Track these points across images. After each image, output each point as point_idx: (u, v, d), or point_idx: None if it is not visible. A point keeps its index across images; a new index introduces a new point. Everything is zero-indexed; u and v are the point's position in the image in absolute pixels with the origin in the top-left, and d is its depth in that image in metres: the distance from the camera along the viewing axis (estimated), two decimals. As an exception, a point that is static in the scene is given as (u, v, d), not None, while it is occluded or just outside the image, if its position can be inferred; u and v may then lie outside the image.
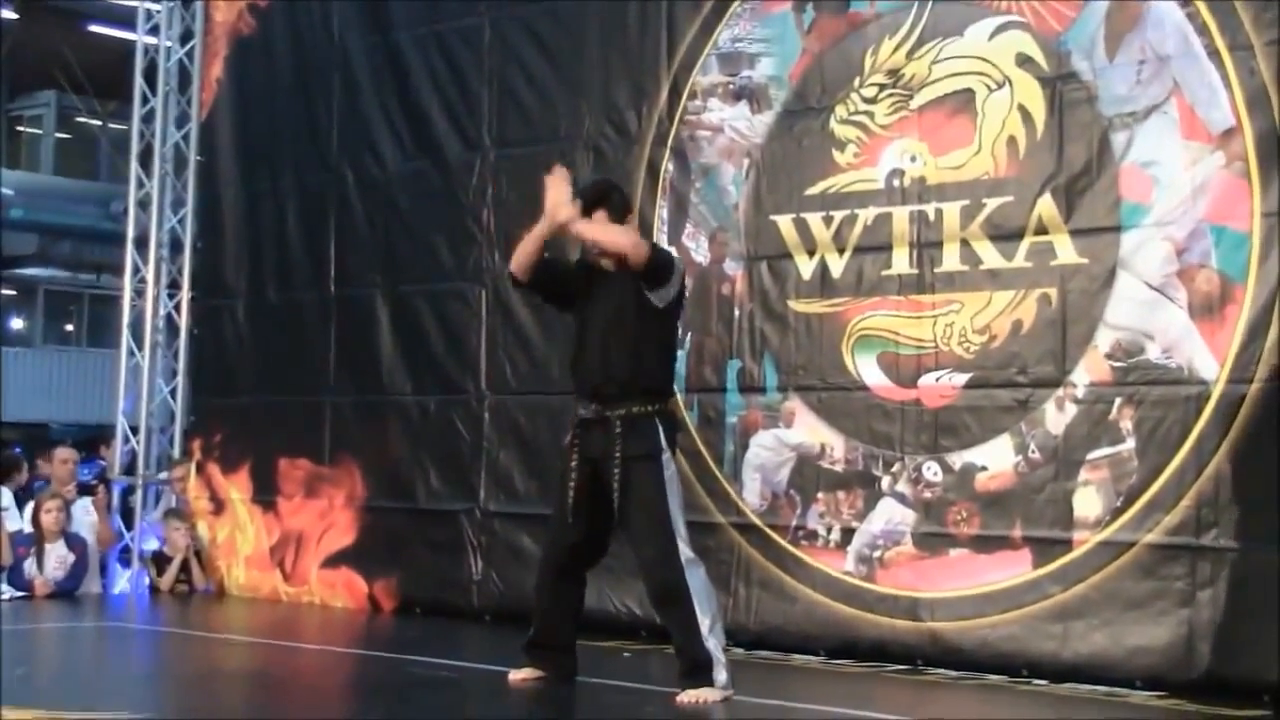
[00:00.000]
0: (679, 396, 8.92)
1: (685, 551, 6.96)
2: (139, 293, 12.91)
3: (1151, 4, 7.93)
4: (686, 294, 7.49)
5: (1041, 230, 8.20)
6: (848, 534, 8.79)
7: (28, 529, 11.35)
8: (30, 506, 11.50)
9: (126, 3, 17.64)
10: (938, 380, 8.53)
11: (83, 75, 28.54)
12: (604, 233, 7.22)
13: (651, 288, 7.07)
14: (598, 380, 7.15)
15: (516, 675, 7.41)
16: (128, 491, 12.78)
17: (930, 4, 8.68)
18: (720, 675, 6.88)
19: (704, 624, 6.88)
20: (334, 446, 11.31)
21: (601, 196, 7.38)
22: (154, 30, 13.01)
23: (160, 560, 11.88)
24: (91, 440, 17.85)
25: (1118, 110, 8.01)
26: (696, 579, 6.95)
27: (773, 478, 9.09)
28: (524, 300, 10.10)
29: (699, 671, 6.88)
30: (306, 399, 11.50)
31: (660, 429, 7.09)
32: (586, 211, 7.29)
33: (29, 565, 11.15)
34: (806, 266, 9.03)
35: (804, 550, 8.93)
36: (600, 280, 7.27)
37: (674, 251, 8.06)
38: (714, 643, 6.90)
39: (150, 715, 6.88)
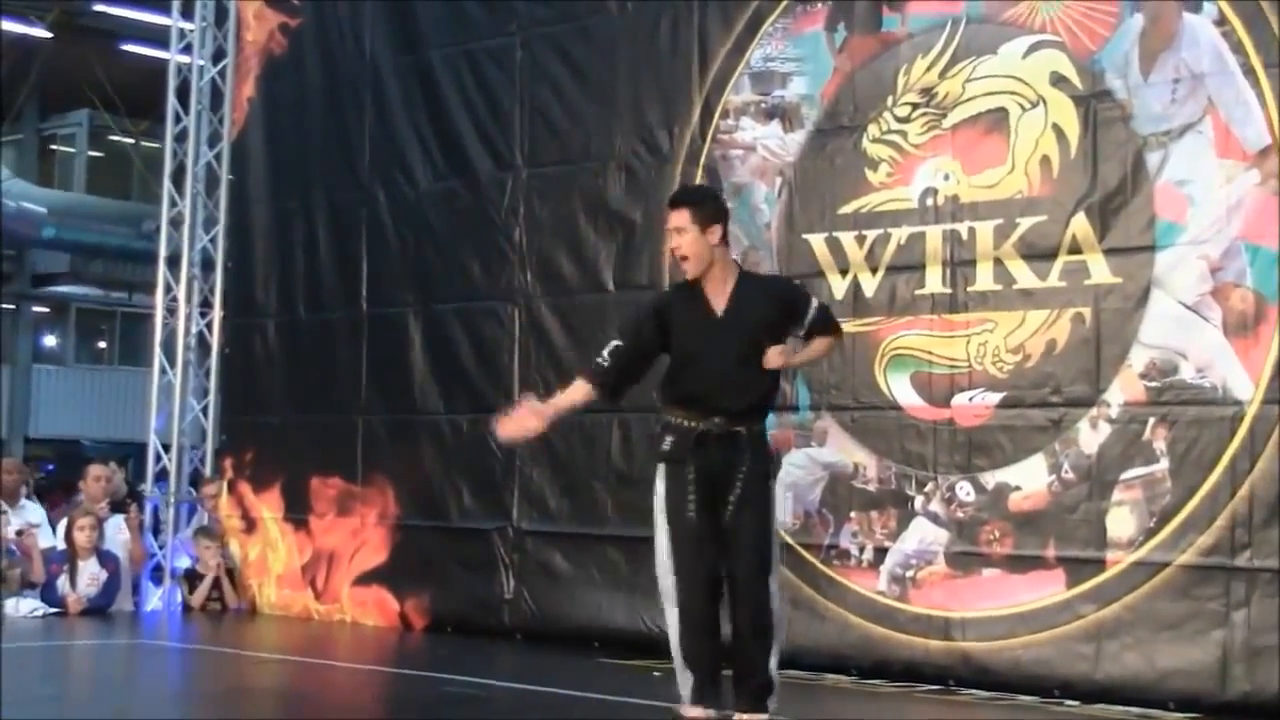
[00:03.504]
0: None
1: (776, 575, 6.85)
2: (171, 311, 12.95)
3: (1186, 22, 7.90)
4: None
5: (1075, 249, 8.18)
6: (880, 553, 8.77)
7: (61, 546, 11.38)
8: (63, 524, 11.53)
9: (159, 22, 17.72)
10: (971, 400, 8.51)
11: (115, 94, 28.67)
12: (817, 352, 7.12)
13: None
14: (727, 398, 6.83)
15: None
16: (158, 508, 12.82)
17: (963, 23, 8.67)
18: (774, 703, 6.77)
19: (775, 650, 6.75)
20: (366, 465, 11.32)
21: (686, 200, 7.07)
22: (186, 50, 13.06)
23: (192, 578, 11.92)
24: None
25: (1152, 129, 7.98)
26: (780, 606, 6.85)
27: (805, 497, 9.07)
28: (556, 318, 10.17)
29: (763, 695, 6.75)
30: (338, 417, 11.52)
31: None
32: (669, 206, 7.05)
33: (62, 582, 11.20)
34: (839, 285, 9.02)
35: (836, 570, 8.92)
36: (701, 299, 6.91)
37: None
38: (776, 670, 6.78)
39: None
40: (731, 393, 6.81)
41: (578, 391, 6.96)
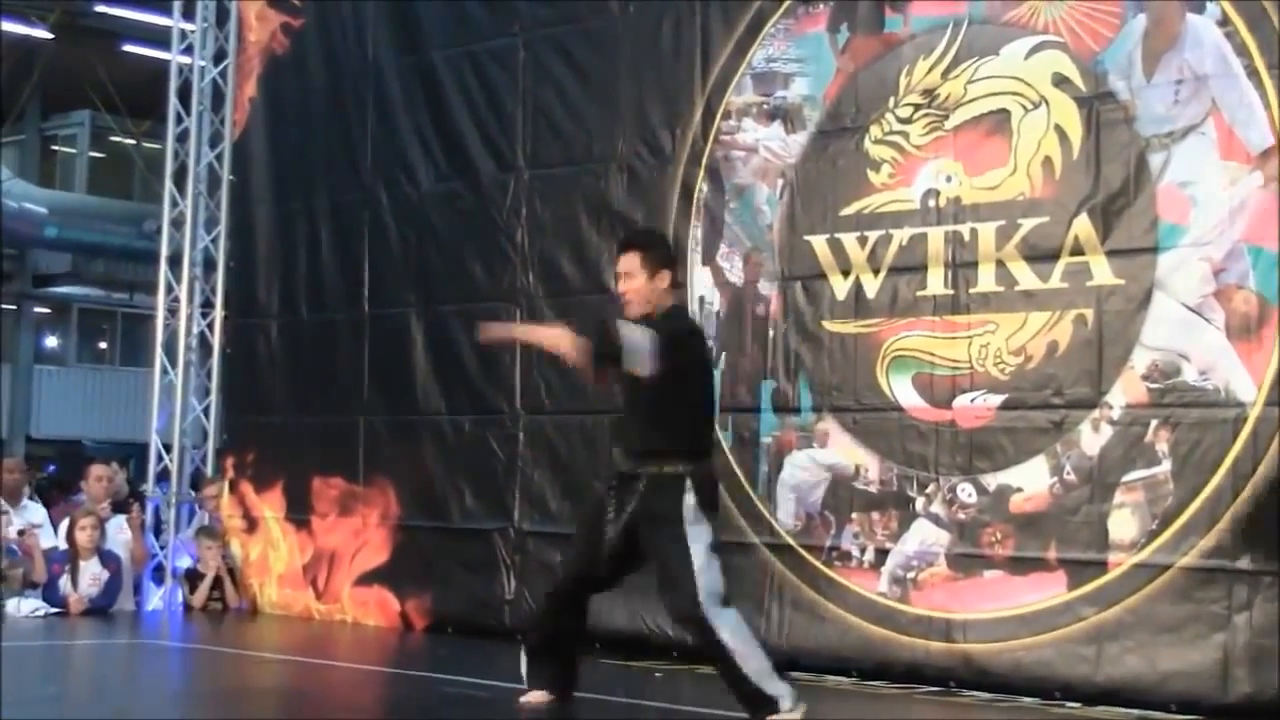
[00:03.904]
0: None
1: (710, 601, 6.70)
2: (172, 311, 12.93)
3: (1190, 24, 7.89)
4: (709, 345, 7.36)
5: (1078, 251, 8.16)
6: (881, 555, 8.76)
7: (62, 546, 11.39)
8: (65, 524, 11.53)
9: (160, 23, 17.72)
10: (973, 401, 8.50)
11: (117, 94, 28.68)
12: (536, 333, 7.12)
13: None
14: (626, 437, 7.09)
15: (529, 698, 7.30)
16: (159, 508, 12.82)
17: (965, 24, 8.66)
18: (785, 703, 6.68)
19: (747, 667, 6.64)
20: (368, 465, 11.32)
21: (637, 244, 7.19)
22: (188, 50, 13.05)
23: (194, 578, 11.92)
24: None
25: (1155, 130, 7.96)
26: (733, 627, 6.73)
27: (807, 498, 9.07)
28: (558, 319, 10.13)
29: (754, 705, 6.66)
30: (340, 418, 11.52)
31: (688, 490, 6.85)
32: (620, 251, 7.16)
33: (64, 582, 11.20)
34: (841, 287, 9.01)
35: (837, 571, 8.91)
36: None
37: (681, 323, 7.26)
38: (761, 681, 6.65)
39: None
40: (631, 431, 7.02)
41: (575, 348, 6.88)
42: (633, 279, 7.00)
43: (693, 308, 9.36)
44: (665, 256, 7.16)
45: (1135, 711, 7.76)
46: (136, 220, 28.33)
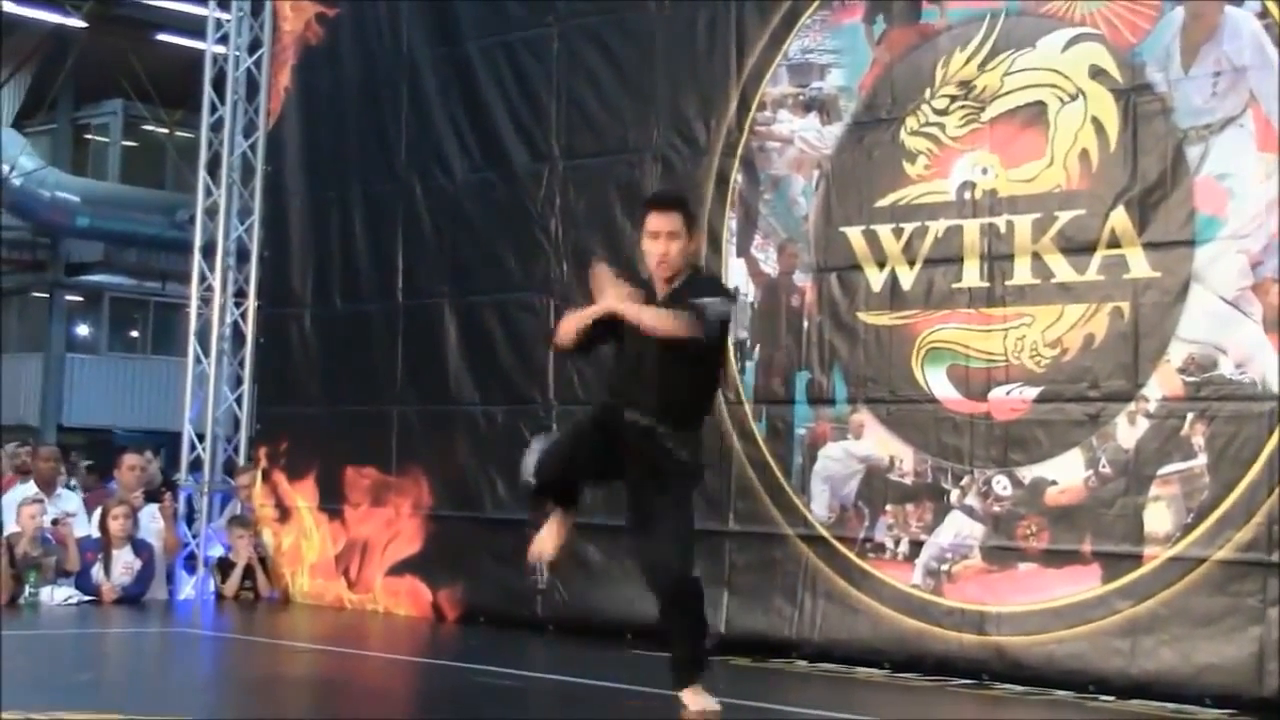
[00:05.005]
0: (748, 407, 8.96)
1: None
2: (205, 301, 12.97)
3: (1228, 15, 7.86)
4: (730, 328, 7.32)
5: (1114, 243, 8.14)
6: (915, 547, 8.74)
7: (95, 535, 11.42)
8: (98, 512, 11.57)
9: (195, 12, 17.76)
10: (1008, 394, 8.48)
11: (150, 84, 28.74)
12: (659, 320, 6.76)
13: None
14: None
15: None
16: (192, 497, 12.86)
17: (1002, 16, 8.63)
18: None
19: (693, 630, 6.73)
20: (401, 455, 11.33)
21: (680, 204, 7.10)
22: (223, 39, 13.10)
23: (225, 567, 11.95)
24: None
25: (1193, 122, 7.93)
26: None
27: (841, 490, 9.05)
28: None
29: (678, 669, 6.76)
30: (374, 408, 11.53)
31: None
32: (658, 208, 7.03)
33: (96, 571, 11.24)
34: (876, 278, 8.99)
35: (871, 563, 8.90)
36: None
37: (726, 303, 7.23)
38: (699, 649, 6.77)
39: (215, 720, 6.93)
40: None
41: None
42: (676, 239, 6.86)
43: (727, 299, 9.35)
44: (696, 217, 7.24)
45: (1170, 705, 7.74)
46: (169, 209, 28.41)
